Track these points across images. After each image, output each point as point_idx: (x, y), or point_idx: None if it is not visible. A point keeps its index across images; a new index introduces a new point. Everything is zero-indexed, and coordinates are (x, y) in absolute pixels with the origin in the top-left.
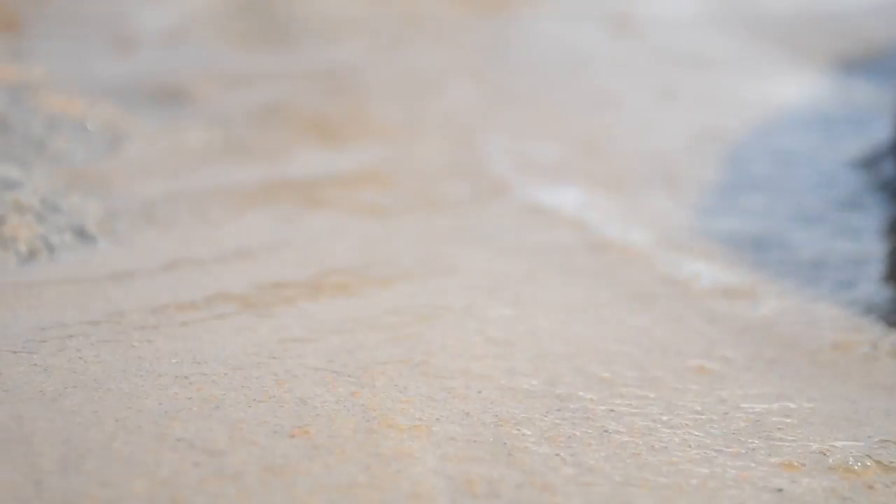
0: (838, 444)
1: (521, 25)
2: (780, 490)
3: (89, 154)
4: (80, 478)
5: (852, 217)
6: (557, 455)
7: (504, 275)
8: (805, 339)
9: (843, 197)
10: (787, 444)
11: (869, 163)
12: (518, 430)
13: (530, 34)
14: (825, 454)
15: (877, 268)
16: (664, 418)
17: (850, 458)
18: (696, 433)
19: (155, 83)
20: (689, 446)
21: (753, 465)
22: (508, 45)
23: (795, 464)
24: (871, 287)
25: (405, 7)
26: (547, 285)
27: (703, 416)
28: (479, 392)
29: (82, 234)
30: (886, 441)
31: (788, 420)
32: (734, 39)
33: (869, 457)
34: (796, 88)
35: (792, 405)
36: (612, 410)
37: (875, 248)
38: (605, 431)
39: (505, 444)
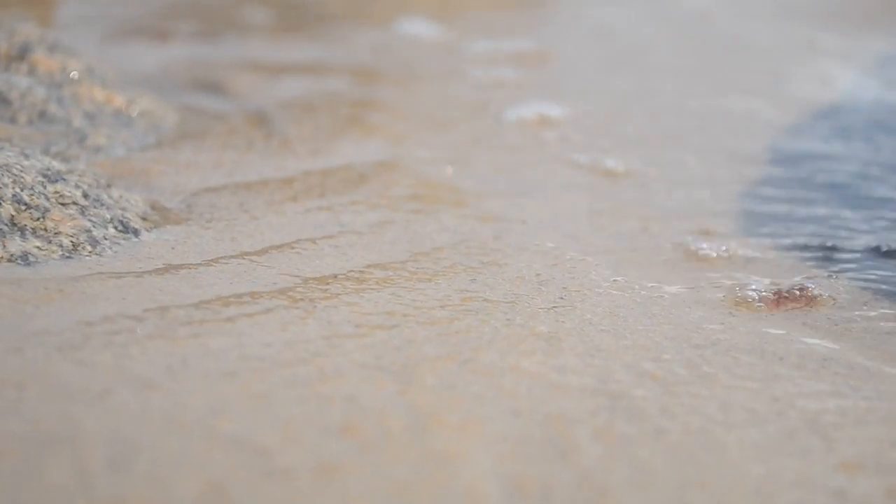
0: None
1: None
2: (839, 491)
3: (130, 146)
4: (128, 478)
5: None
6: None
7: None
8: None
9: None
10: (843, 443)
11: None
12: (570, 428)
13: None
14: (884, 453)
15: None
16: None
17: None
18: (752, 432)
19: (193, 75)
20: (745, 446)
21: (810, 464)
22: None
23: (853, 464)
24: None
25: None
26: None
27: (758, 415)
28: (529, 390)
29: (125, 227)
30: None
31: (844, 419)
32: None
33: None
34: None
35: (847, 403)
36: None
37: None
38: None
39: (557, 443)
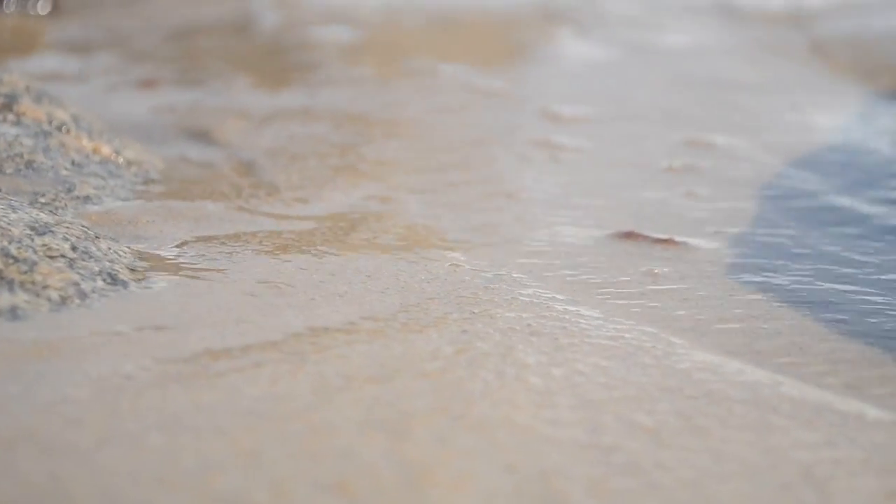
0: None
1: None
2: None
3: (118, 196)
4: None
5: None
6: None
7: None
8: None
9: None
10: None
11: None
12: (565, 483)
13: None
14: None
15: None
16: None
17: None
18: (747, 484)
19: (180, 123)
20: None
21: None
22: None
23: None
24: None
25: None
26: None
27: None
28: (523, 444)
29: (114, 280)
30: None
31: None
32: None
33: None
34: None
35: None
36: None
37: None
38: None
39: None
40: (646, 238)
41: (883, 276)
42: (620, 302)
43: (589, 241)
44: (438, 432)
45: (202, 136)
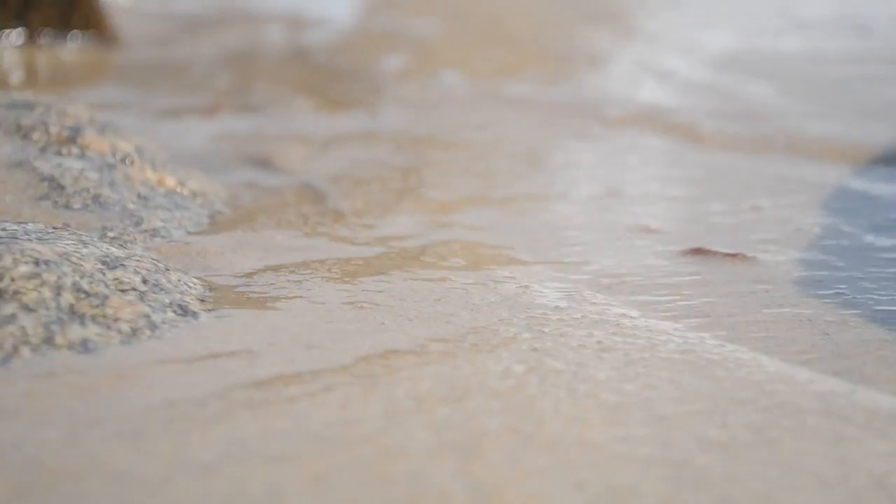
0: None
1: None
2: None
3: (186, 227)
4: None
5: None
6: None
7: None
8: None
9: None
10: None
11: None
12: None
13: None
14: None
15: None
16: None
17: None
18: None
19: (241, 151)
20: None
21: None
22: None
23: None
24: None
25: None
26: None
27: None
28: (594, 462)
29: (184, 311)
30: None
31: None
32: None
33: None
34: None
35: None
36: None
37: None
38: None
39: None
40: (715, 254)
41: None
42: (694, 320)
43: (659, 257)
44: (509, 452)
45: (264, 162)
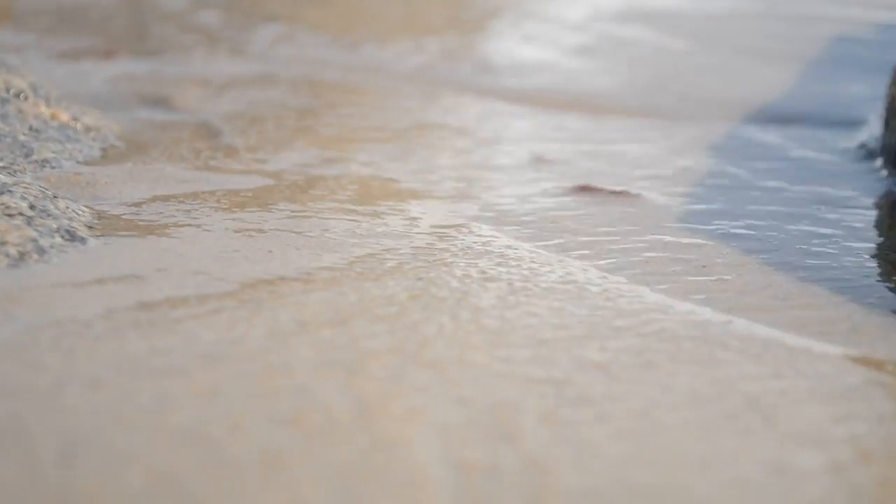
0: (837, 419)
1: None
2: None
3: (77, 159)
4: (78, 471)
5: None
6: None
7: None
8: None
9: None
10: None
11: None
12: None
13: None
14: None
15: None
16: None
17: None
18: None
19: (139, 91)
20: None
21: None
22: None
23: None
24: None
25: None
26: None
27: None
28: (475, 379)
29: (72, 236)
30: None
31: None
32: None
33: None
34: None
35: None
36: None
37: None
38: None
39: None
40: (601, 190)
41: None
42: (576, 252)
43: (546, 193)
44: (392, 370)
45: (161, 102)
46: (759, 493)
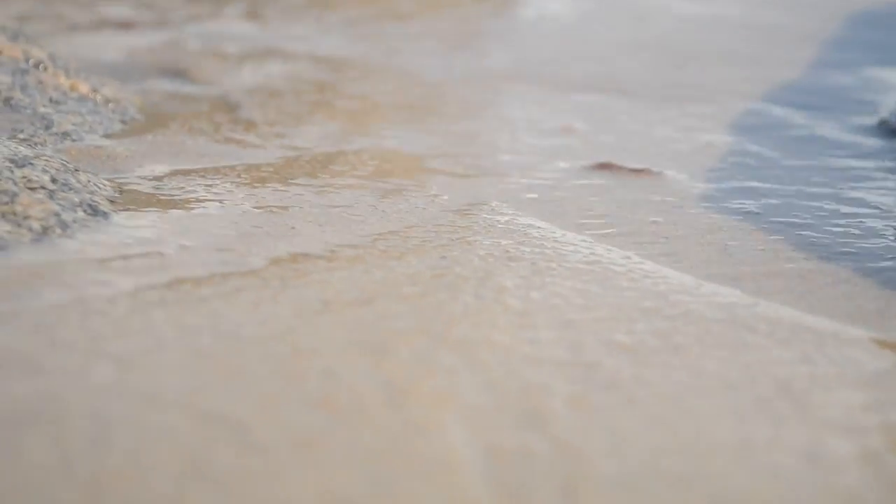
0: (868, 406)
1: None
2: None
3: (97, 132)
4: (108, 454)
5: None
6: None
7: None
8: None
9: None
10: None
11: None
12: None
13: None
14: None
15: None
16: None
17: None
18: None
19: (158, 63)
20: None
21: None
22: None
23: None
24: None
25: None
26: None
27: (730, 383)
28: (503, 362)
29: (94, 210)
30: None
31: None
32: None
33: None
34: None
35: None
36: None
37: None
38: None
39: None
40: (622, 168)
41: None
42: (600, 232)
43: (568, 172)
44: (418, 352)
45: (180, 74)
46: (795, 482)
